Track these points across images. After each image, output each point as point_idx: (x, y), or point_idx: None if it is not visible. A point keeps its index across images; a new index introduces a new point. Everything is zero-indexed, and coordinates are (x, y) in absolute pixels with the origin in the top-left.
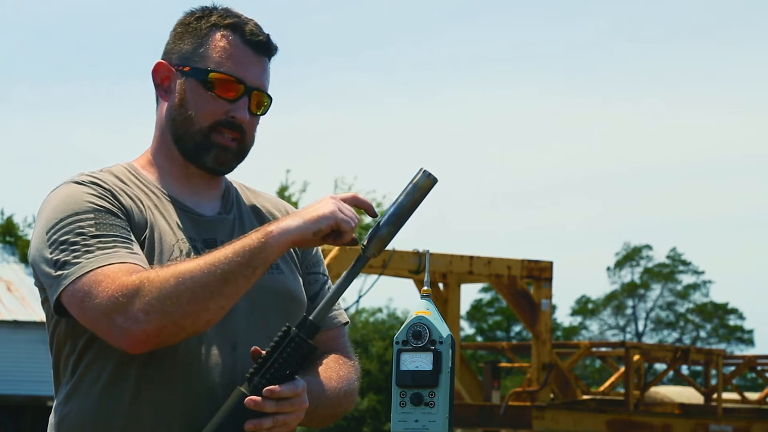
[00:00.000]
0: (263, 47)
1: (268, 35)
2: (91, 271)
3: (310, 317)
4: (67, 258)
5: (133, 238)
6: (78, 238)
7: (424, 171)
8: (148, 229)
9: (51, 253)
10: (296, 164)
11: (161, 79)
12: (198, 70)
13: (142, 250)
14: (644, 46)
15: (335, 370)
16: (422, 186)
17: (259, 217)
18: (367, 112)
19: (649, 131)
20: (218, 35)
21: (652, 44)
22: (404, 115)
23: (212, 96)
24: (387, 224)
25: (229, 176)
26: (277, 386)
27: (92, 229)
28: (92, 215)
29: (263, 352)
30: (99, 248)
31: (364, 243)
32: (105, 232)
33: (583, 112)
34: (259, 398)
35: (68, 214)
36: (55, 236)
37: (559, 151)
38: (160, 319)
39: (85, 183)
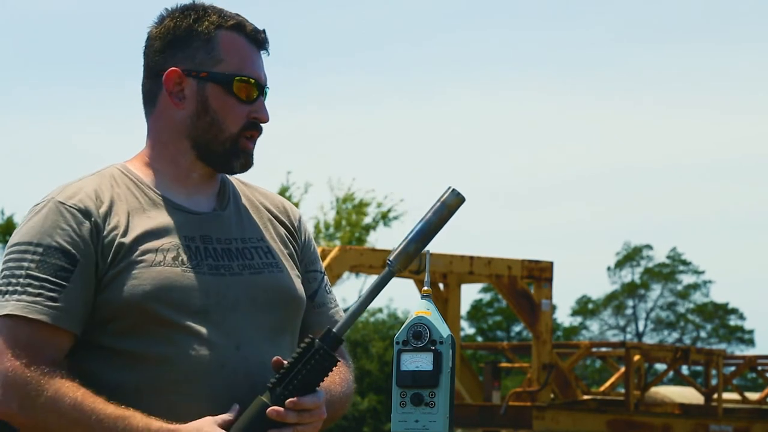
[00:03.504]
0: (263, 42)
1: (264, 30)
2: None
3: (334, 330)
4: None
5: (75, 279)
6: (17, 272)
7: (453, 190)
8: (127, 238)
9: None
10: (296, 165)
11: (173, 85)
12: (219, 75)
13: (119, 262)
14: (644, 46)
15: (336, 373)
16: (450, 204)
17: (258, 212)
18: (367, 113)
19: (649, 131)
20: (227, 37)
21: (652, 44)
22: (404, 115)
23: (235, 100)
24: (414, 241)
25: None
26: (299, 398)
27: (32, 265)
28: (42, 250)
29: (285, 362)
30: (20, 292)
31: (391, 259)
32: (39, 275)
33: (583, 113)
34: (282, 409)
35: (27, 240)
36: (7, 257)
37: (559, 151)
38: (12, 414)
39: (68, 208)
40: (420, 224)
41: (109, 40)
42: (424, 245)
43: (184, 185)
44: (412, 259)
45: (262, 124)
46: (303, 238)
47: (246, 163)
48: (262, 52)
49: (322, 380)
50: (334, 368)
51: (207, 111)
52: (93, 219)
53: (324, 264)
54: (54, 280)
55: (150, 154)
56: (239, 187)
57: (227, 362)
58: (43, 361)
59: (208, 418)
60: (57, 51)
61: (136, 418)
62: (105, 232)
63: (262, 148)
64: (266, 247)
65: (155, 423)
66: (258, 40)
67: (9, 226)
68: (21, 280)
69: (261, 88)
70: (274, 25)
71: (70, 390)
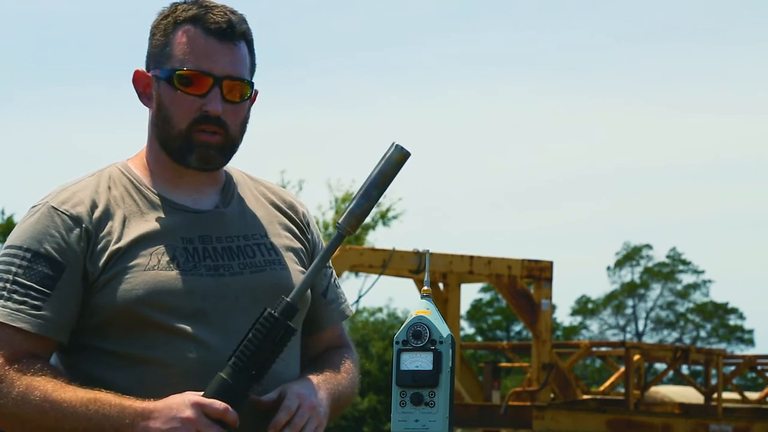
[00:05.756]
0: (226, 33)
1: (229, 20)
2: None
3: (288, 298)
4: None
5: (60, 287)
6: (5, 276)
7: (396, 145)
8: (122, 243)
9: None
10: (292, 164)
11: (142, 87)
12: (166, 71)
13: (112, 267)
14: (644, 45)
15: (344, 365)
16: (395, 160)
17: (263, 208)
18: (366, 112)
19: (649, 131)
20: (180, 32)
21: (652, 44)
22: (403, 115)
23: (182, 94)
24: (361, 200)
25: (231, 164)
26: (275, 418)
27: (20, 271)
28: (30, 256)
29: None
30: (6, 298)
31: (340, 221)
32: (25, 281)
33: (584, 112)
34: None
35: (18, 245)
36: (0, 258)
37: (558, 151)
38: None
39: (59, 213)
40: (366, 183)
41: (109, 40)
42: (373, 204)
43: (180, 184)
44: (361, 221)
45: (223, 119)
46: (312, 235)
47: (204, 156)
48: (230, 43)
49: (278, 348)
50: (289, 337)
51: (160, 108)
52: (84, 226)
53: None
54: (39, 288)
55: (145, 154)
56: (246, 182)
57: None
58: (20, 362)
59: (180, 395)
60: (57, 51)
61: (109, 398)
62: (97, 239)
63: (259, 148)
64: (269, 244)
65: (127, 401)
66: (217, 31)
67: (9, 226)
68: (8, 285)
69: (217, 79)
70: (274, 25)
71: (41, 383)
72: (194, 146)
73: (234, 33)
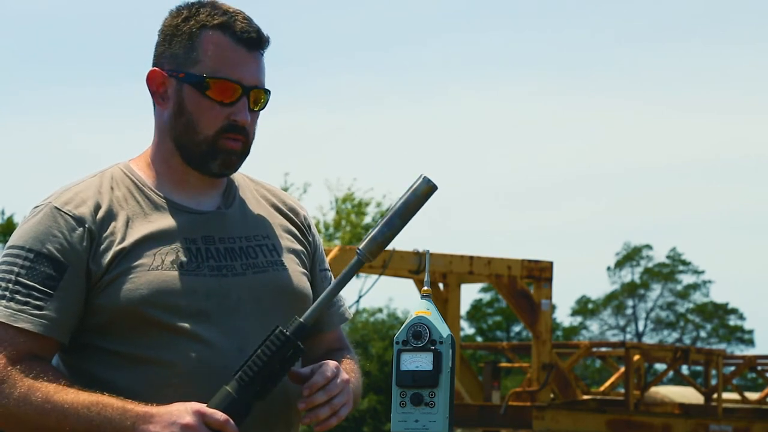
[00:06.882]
0: (255, 43)
1: (258, 29)
2: None
3: (301, 319)
4: None
5: (62, 287)
6: (8, 276)
7: (424, 177)
8: (126, 243)
9: None
10: (295, 165)
11: (156, 86)
12: (193, 76)
13: (115, 267)
14: (644, 45)
15: (350, 366)
16: (421, 192)
17: (264, 209)
18: (367, 113)
19: (649, 131)
20: (208, 37)
21: (652, 44)
22: (404, 115)
23: (211, 102)
24: (384, 228)
25: None
26: (315, 379)
27: (23, 271)
28: (33, 256)
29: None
30: (8, 298)
31: (360, 247)
32: (27, 282)
33: (584, 112)
34: (311, 397)
35: (20, 245)
36: (3, 258)
37: (559, 151)
38: None
39: (62, 214)
40: (390, 212)
41: (109, 40)
42: (395, 233)
43: (185, 186)
44: (381, 248)
45: (247, 128)
46: (313, 237)
47: (226, 162)
48: (256, 52)
49: (286, 366)
50: (298, 356)
51: (182, 112)
52: (87, 226)
53: None
54: (41, 288)
55: (151, 154)
56: (247, 183)
57: (229, 364)
58: (22, 362)
59: (183, 403)
60: (57, 51)
61: (111, 401)
62: (100, 239)
63: (260, 149)
64: (271, 245)
65: (129, 404)
66: (246, 41)
67: (9, 226)
68: (10, 285)
69: (245, 89)
70: (274, 24)
71: (43, 384)
72: (219, 153)
73: (261, 43)
